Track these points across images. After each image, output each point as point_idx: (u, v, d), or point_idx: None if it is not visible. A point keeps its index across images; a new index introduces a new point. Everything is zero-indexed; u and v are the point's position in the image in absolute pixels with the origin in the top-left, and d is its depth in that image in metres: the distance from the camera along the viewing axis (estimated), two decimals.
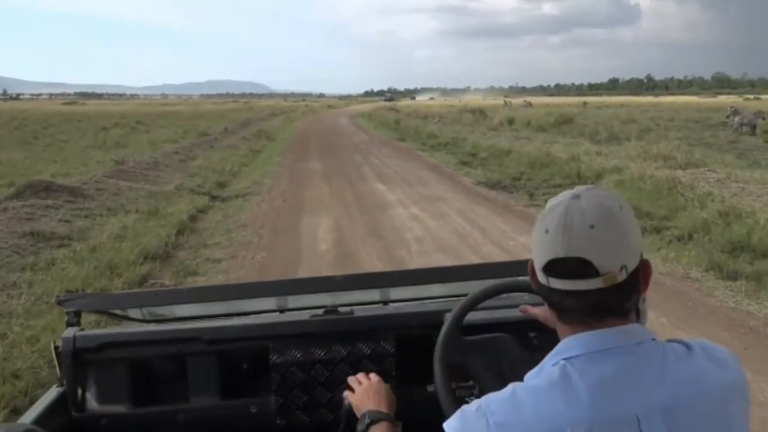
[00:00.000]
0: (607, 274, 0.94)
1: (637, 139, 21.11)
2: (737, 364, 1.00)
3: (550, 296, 1.00)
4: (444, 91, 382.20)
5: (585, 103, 67.46)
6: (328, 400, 1.77)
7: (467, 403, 1.05)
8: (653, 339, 0.98)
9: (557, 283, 0.97)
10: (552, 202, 1.02)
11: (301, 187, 12.37)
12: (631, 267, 0.95)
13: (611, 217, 0.96)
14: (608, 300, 0.96)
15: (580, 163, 13.21)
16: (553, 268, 0.96)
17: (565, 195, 1.01)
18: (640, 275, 0.98)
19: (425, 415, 1.46)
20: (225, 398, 1.82)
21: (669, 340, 1.00)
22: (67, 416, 1.75)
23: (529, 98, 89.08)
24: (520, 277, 1.56)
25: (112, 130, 30.63)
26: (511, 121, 29.08)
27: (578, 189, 1.01)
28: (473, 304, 1.49)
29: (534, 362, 1.03)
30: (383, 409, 1.40)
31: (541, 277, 0.99)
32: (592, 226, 0.94)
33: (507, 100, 78.93)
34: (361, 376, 1.52)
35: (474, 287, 1.52)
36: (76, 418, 1.75)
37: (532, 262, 1.02)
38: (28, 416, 1.62)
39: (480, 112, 36.06)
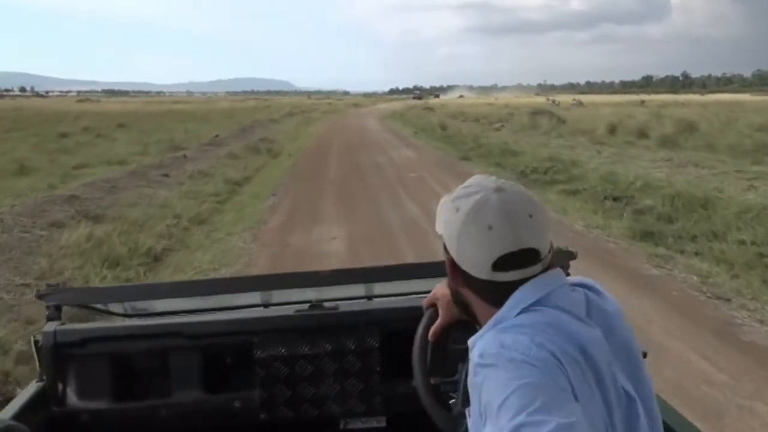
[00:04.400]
0: (545, 258, 1.01)
1: None
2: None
3: (492, 289, 1.02)
4: (471, 89, 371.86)
5: (642, 101, 58.77)
6: (312, 395, 1.76)
7: (451, 398, 1.26)
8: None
9: (504, 276, 1.00)
10: (470, 197, 1.03)
11: None
12: (550, 247, 1.04)
13: (538, 204, 1.04)
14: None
15: None
16: (503, 262, 0.98)
17: (481, 187, 1.03)
18: None
19: (409, 409, 1.48)
20: (208, 393, 1.78)
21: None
22: (48, 411, 1.70)
23: (579, 96, 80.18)
24: None
25: (71, 137, 23.21)
26: (611, 130, 20.66)
27: (491, 182, 1.05)
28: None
29: None
30: None
31: (484, 274, 1.01)
32: (530, 216, 1.00)
33: (552, 98, 70.37)
34: None
35: None
36: (56, 413, 1.71)
37: (453, 261, 1.05)
38: (7, 412, 1.55)
39: (550, 115, 27.61)
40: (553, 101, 56.88)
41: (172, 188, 11.06)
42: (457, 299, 1.15)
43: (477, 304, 1.07)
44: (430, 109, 48.36)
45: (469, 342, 1.05)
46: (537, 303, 1.00)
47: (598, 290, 1.11)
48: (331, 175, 13.58)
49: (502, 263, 0.99)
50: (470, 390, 1.00)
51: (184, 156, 15.43)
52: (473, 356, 0.99)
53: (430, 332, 1.33)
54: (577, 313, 1.01)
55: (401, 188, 11.23)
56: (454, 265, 1.05)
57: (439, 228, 1.09)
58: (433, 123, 30.47)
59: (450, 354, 1.37)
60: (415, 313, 1.43)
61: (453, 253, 1.05)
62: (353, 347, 1.76)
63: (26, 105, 62.66)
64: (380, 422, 1.83)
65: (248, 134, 24.44)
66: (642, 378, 1.05)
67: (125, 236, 7.28)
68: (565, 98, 72.68)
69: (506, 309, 1.01)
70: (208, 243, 7.64)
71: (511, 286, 1.00)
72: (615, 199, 9.79)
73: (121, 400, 1.76)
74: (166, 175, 12.28)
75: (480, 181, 1.06)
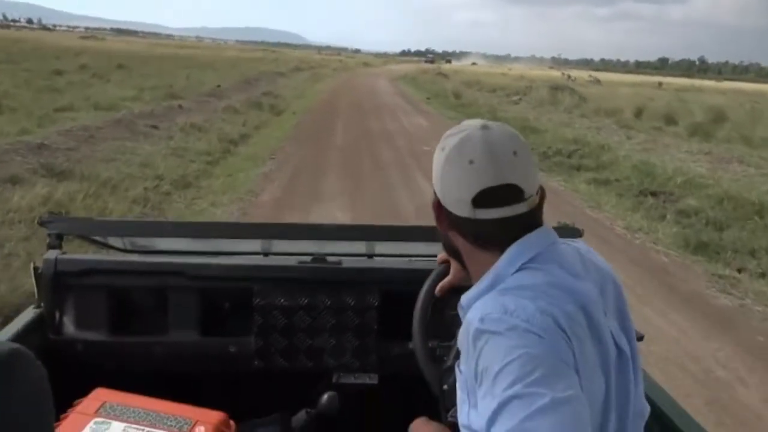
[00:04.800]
0: (530, 198, 0.98)
1: None
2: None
3: (476, 229, 1.00)
4: (484, 57, 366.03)
5: (660, 84, 56.91)
6: (307, 347, 1.76)
7: (445, 362, 1.26)
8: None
9: (486, 213, 0.97)
10: (456, 135, 1.01)
11: None
12: (538, 190, 1.00)
13: (525, 144, 1.00)
14: (530, 222, 0.99)
15: None
16: (484, 198, 0.96)
17: (468, 126, 1.02)
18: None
19: (403, 370, 1.52)
20: (204, 335, 1.77)
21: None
22: (44, 338, 1.71)
23: (594, 73, 78.05)
24: None
25: (65, 75, 21.94)
26: (638, 114, 19.37)
27: (478, 121, 1.03)
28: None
29: None
30: None
31: (466, 211, 0.98)
32: (515, 153, 0.97)
33: (568, 74, 68.50)
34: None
35: None
36: (52, 340, 1.73)
37: (438, 200, 1.04)
38: (4, 334, 1.56)
39: (571, 92, 26.19)
40: (569, 76, 55.09)
41: (159, 143, 9.91)
42: (447, 245, 1.12)
43: (463, 246, 1.04)
44: (443, 74, 46.71)
45: (463, 299, 1.03)
46: (534, 259, 0.97)
47: (586, 247, 1.10)
48: (337, 141, 12.39)
49: (482, 199, 0.96)
50: (463, 350, 0.96)
51: (179, 106, 14.19)
52: (472, 319, 0.93)
53: (438, 287, 1.32)
54: (574, 269, 0.98)
55: (414, 164, 10.06)
56: (440, 206, 1.03)
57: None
58: (446, 90, 29.10)
59: (447, 319, 1.44)
60: (417, 275, 1.42)
61: (438, 193, 1.03)
62: (353, 303, 1.76)
63: (29, 37, 60.56)
64: (372, 379, 1.83)
65: (252, 87, 23.06)
66: (633, 336, 1.04)
67: (91, 200, 6.22)
68: (580, 74, 70.67)
69: (503, 265, 0.98)
70: (188, 214, 6.56)
71: (495, 225, 0.97)
72: (653, 195, 8.71)
73: (117, 334, 1.75)
74: (155, 127, 11.11)
75: (466, 123, 1.04)
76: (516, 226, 0.97)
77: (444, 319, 1.49)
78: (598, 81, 50.66)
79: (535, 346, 0.85)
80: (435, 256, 1.75)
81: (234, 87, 21.88)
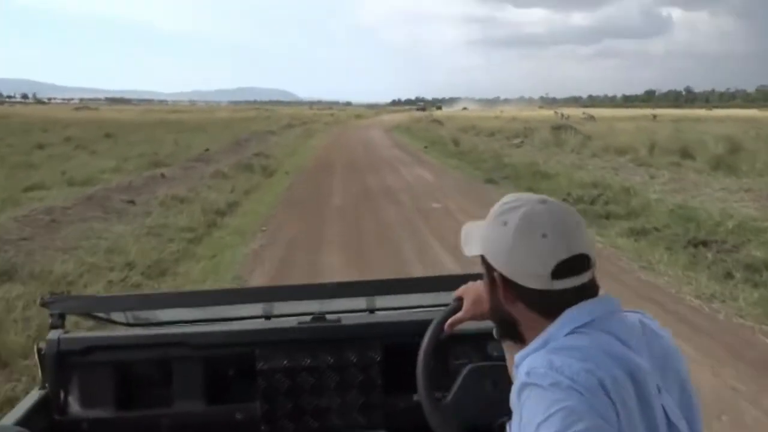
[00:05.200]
0: (593, 263, 1.00)
1: None
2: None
3: (548, 300, 0.98)
4: (474, 101, 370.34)
5: (654, 116, 56.50)
6: (313, 408, 1.74)
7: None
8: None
9: (563, 284, 0.96)
10: (517, 209, 1.00)
11: None
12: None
13: (580, 215, 1.03)
14: (592, 289, 0.99)
15: None
16: (560, 269, 0.96)
17: (526, 200, 1.02)
18: None
19: (411, 423, 1.49)
20: (210, 404, 1.76)
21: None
22: (49, 419, 1.69)
23: (586, 110, 77.88)
24: None
25: (47, 149, 21.10)
26: (651, 149, 18.33)
27: (533, 196, 1.04)
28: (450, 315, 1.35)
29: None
30: None
31: (541, 283, 0.97)
32: (578, 223, 1.00)
33: (561, 112, 68.24)
34: None
35: None
36: (58, 421, 1.70)
37: (503, 277, 1.01)
38: (10, 418, 1.55)
39: (575, 131, 25.24)
40: (562, 115, 54.59)
41: (134, 221, 8.71)
42: (501, 318, 1.08)
43: (527, 318, 1.02)
44: (437, 121, 46.18)
45: (516, 357, 1.02)
46: (588, 324, 0.96)
47: (651, 319, 1.08)
48: (335, 202, 11.20)
49: (559, 271, 0.95)
50: (512, 406, 0.96)
51: (162, 175, 13.08)
52: (520, 374, 0.95)
53: (449, 321, 1.31)
54: (628, 340, 0.96)
55: (425, 226, 8.81)
56: (506, 281, 1.01)
57: (472, 250, 1.07)
58: (443, 137, 28.31)
59: (452, 369, 1.48)
60: (417, 327, 1.40)
61: (504, 269, 1.00)
62: (355, 360, 1.74)
63: (19, 112, 60.56)
64: None
65: (243, 148, 22.10)
66: (695, 415, 1.01)
67: (35, 307, 4.96)
68: (573, 112, 70.28)
69: (555, 329, 0.98)
70: None
71: (565, 295, 0.97)
72: (704, 245, 7.49)
73: (123, 410, 1.73)
74: (132, 202, 9.93)
75: (520, 196, 1.04)
76: (582, 293, 0.97)
77: (448, 369, 1.55)
78: (592, 117, 50.01)
79: (577, 402, 0.85)
80: (434, 306, 1.78)
81: (224, 149, 20.95)
